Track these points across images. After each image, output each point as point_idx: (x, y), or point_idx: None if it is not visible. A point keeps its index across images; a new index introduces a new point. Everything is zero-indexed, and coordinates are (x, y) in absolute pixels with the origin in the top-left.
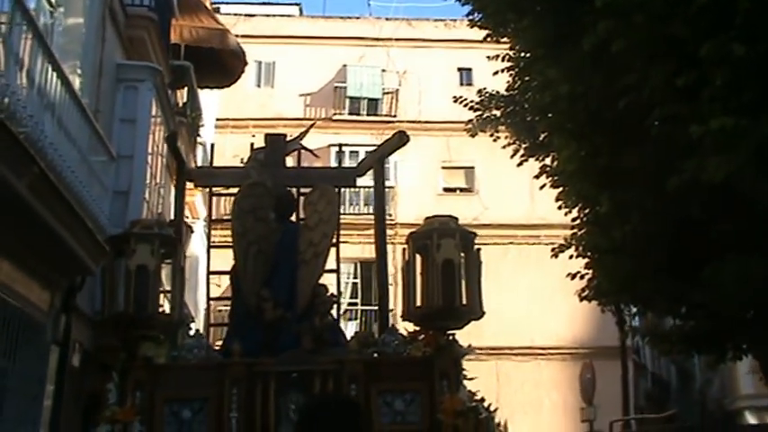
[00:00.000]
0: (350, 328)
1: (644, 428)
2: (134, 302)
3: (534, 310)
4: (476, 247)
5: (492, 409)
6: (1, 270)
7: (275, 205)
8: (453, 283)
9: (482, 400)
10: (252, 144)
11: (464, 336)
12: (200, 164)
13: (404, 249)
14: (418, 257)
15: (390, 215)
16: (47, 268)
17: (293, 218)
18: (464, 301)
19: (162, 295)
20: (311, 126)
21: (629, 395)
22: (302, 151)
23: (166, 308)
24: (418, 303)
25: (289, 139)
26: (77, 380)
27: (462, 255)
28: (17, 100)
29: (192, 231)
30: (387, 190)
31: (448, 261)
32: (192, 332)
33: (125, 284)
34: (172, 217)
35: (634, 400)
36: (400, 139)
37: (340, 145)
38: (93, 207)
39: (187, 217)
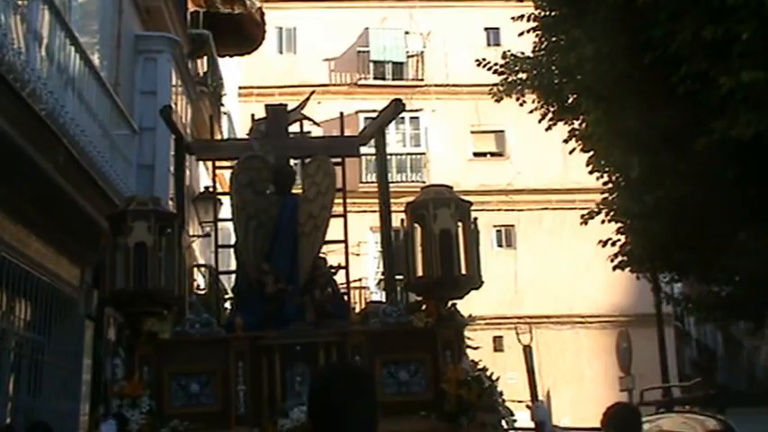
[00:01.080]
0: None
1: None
2: (134, 279)
3: (571, 277)
4: (472, 215)
5: (494, 378)
6: (31, 247)
7: (273, 178)
8: (451, 252)
9: (484, 369)
10: (253, 115)
11: (503, 305)
12: (226, 133)
13: (401, 220)
14: (417, 227)
15: (424, 182)
16: (75, 244)
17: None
18: (463, 271)
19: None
20: (311, 95)
21: (666, 363)
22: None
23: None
24: (419, 273)
25: (290, 108)
26: (113, 353)
27: (459, 224)
28: (38, 77)
29: (222, 204)
30: (418, 156)
31: (445, 231)
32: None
33: (124, 261)
34: (200, 189)
35: (678, 369)
36: (396, 107)
37: (357, 112)
38: (118, 182)
39: (209, 188)
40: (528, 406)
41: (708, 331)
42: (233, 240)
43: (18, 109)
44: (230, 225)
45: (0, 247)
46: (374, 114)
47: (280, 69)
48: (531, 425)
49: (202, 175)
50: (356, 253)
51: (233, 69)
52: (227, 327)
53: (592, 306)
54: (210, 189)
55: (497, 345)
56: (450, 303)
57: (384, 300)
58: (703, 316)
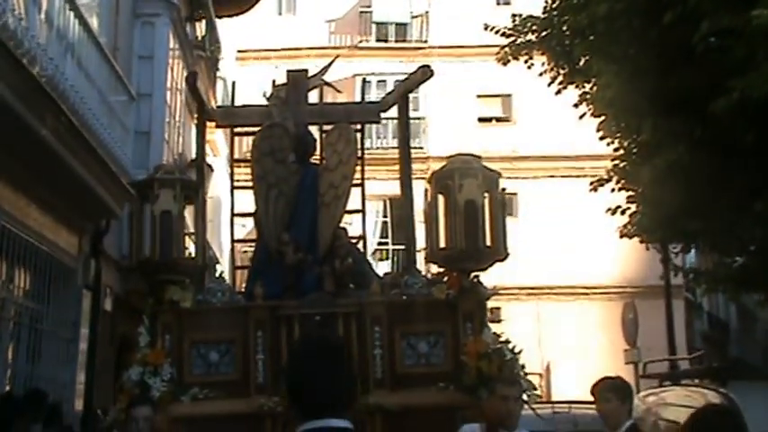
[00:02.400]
0: (381, 269)
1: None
2: (159, 247)
3: (577, 247)
4: (500, 186)
5: (516, 350)
6: (30, 216)
7: (294, 146)
8: (476, 224)
9: (507, 342)
10: (273, 81)
11: (504, 274)
12: (220, 100)
13: (425, 190)
14: (441, 198)
15: (422, 148)
16: (73, 213)
17: (314, 159)
18: (488, 243)
19: (187, 238)
20: (333, 61)
21: (674, 336)
22: (325, 87)
23: (192, 251)
24: (441, 245)
25: (310, 74)
26: (110, 323)
27: (486, 195)
28: (38, 44)
29: (213, 171)
30: (417, 121)
31: (470, 202)
32: (216, 275)
33: (150, 230)
34: (193, 156)
35: (687, 342)
36: (424, 74)
37: (363, 80)
38: (115, 150)
39: (207, 155)
40: None
41: (720, 303)
42: (224, 210)
43: (18, 75)
44: (221, 194)
45: (1, 217)
46: (377, 77)
47: (278, 32)
48: None
49: (195, 142)
50: (349, 222)
51: (231, 32)
52: (247, 296)
53: (598, 277)
54: (228, 156)
55: (495, 315)
56: (472, 275)
57: (390, 270)
58: (713, 287)
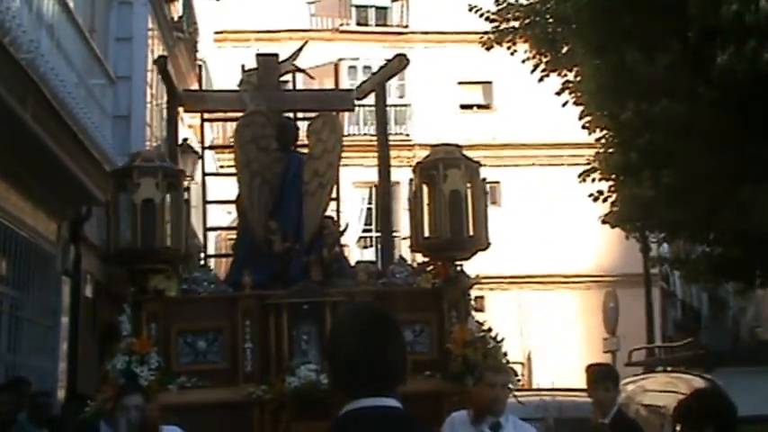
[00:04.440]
0: (365, 257)
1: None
2: (141, 236)
3: (557, 235)
4: (481, 176)
5: (499, 339)
6: (9, 201)
7: (277, 134)
8: (460, 213)
9: (489, 330)
10: (243, 66)
11: (485, 263)
12: (204, 82)
13: (410, 181)
14: (425, 188)
15: (407, 135)
16: (53, 198)
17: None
18: (471, 232)
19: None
20: (303, 45)
21: (653, 325)
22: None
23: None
24: (426, 234)
25: (282, 59)
26: (91, 310)
27: (468, 185)
28: (18, 24)
29: (199, 156)
30: (402, 108)
31: (455, 192)
32: (202, 265)
33: (131, 218)
34: (178, 141)
35: (662, 330)
36: (400, 62)
37: (336, 63)
38: (95, 134)
39: (191, 140)
40: None
41: (693, 292)
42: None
43: None
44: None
45: None
46: (362, 63)
47: (257, 13)
48: None
49: (179, 127)
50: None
51: (207, 12)
52: (233, 285)
53: (576, 266)
54: (189, 143)
55: (479, 305)
56: (456, 264)
57: (369, 258)
58: (694, 277)
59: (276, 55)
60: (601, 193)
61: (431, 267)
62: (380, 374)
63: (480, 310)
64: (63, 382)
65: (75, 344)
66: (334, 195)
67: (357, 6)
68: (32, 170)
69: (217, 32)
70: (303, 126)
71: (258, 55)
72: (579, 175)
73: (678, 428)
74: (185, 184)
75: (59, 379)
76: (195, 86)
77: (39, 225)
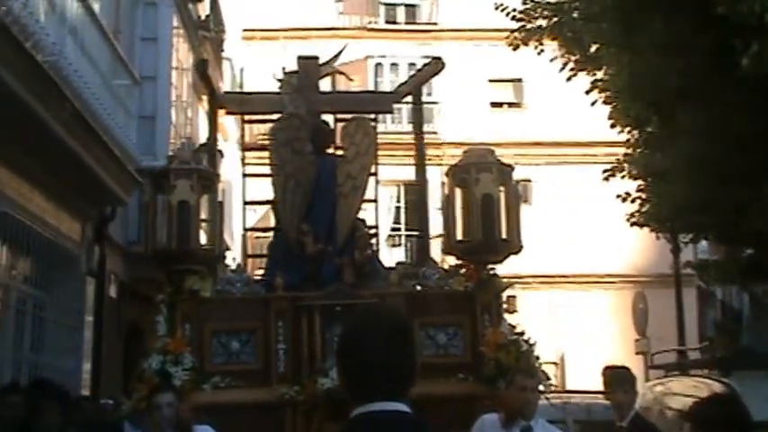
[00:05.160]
0: (393, 255)
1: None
2: (177, 237)
3: (588, 234)
4: (513, 180)
5: (531, 342)
6: (33, 202)
7: (312, 137)
8: (493, 217)
9: (522, 333)
10: (284, 68)
11: (517, 263)
12: (227, 80)
13: (442, 183)
14: (458, 191)
15: (435, 133)
16: (77, 199)
17: (330, 150)
18: (503, 236)
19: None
20: (343, 48)
21: (684, 326)
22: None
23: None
24: (459, 237)
25: (321, 61)
26: (116, 310)
27: (501, 188)
28: (41, 27)
29: (223, 156)
30: (430, 106)
31: (487, 195)
32: (232, 264)
33: (167, 220)
34: (201, 139)
35: (699, 331)
36: (437, 66)
37: (377, 64)
38: (120, 135)
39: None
40: None
41: (733, 292)
42: (235, 196)
43: (21, 60)
44: (231, 179)
45: (2, 202)
46: (389, 60)
47: (285, 11)
48: None
49: (203, 125)
50: (365, 208)
51: (235, 10)
52: (266, 286)
53: (609, 265)
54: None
55: (510, 305)
56: (489, 267)
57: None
58: (721, 279)
59: (316, 58)
60: (628, 194)
61: (463, 270)
62: (391, 379)
63: (513, 310)
64: (87, 383)
65: (100, 344)
66: (371, 197)
67: (386, 4)
68: (56, 171)
69: (245, 30)
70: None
71: (299, 57)
72: (604, 172)
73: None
74: None
75: (83, 379)
76: (222, 85)
77: (62, 225)
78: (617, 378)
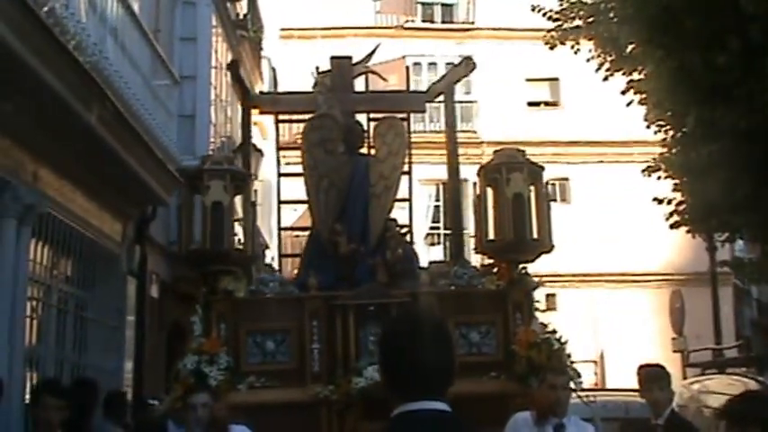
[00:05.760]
0: (432, 254)
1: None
2: (210, 238)
3: (625, 233)
4: (543, 180)
5: (563, 340)
6: (75, 202)
7: (344, 137)
8: (523, 216)
9: (554, 331)
10: (317, 68)
11: (556, 261)
12: (266, 79)
13: (474, 183)
14: (489, 191)
15: (475, 132)
16: (118, 199)
17: (363, 149)
18: (534, 235)
19: (237, 225)
20: (376, 48)
21: (720, 324)
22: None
23: (241, 238)
24: (490, 236)
25: (355, 61)
26: (157, 310)
27: (531, 188)
28: (82, 29)
29: (263, 155)
30: (469, 105)
31: (517, 195)
32: (267, 264)
33: (201, 220)
34: (239, 139)
35: (736, 329)
36: (467, 66)
37: (407, 67)
38: (161, 135)
39: (255, 137)
40: None
41: None
42: (274, 195)
43: (65, 62)
44: (271, 178)
45: (46, 203)
46: (427, 59)
47: (323, 10)
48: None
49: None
50: (402, 207)
51: (272, 9)
52: (300, 286)
53: (646, 264)
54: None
55: (550, 303)
56: (520, 266)
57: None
58: (757, 278)
59: (350, 57)
60: (663, 199)
61: (495, 269)
62: (432, 378)
63: (552, 308)
64: (129, 382)
65: (142, 344)
66: (405, 196)
67: (423, 3)
68: (97, 171)
69: (282, 29)
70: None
71: (332, 57)
72: (643, 171)
73: (725, 427)
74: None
75: (125, 378)
76: (260, 84)
77: (104, 225)
78: (651, 376)
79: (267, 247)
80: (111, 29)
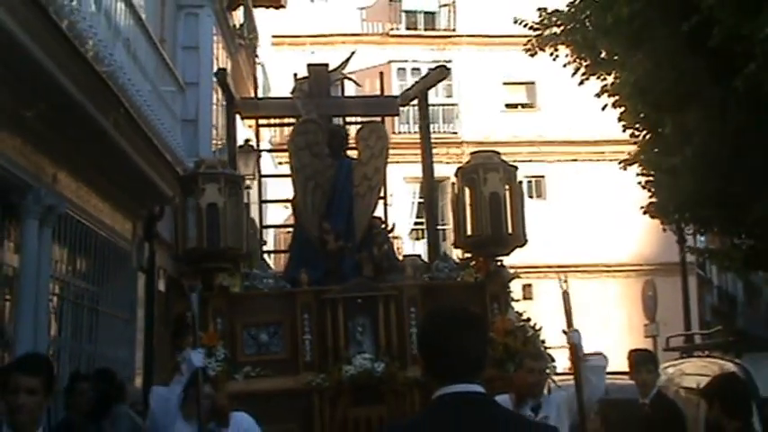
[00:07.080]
0: (417, 248)
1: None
2: (206, 237)
3: (599, 227)
4: (518, 179)
5: (537, 327)
6: (90, 203)
7: (329, 141)
8: (500, 213)
9: (528, 319)
10: (295, 74)
11: (533, 254)
12: (261, 85)
13: (452, 184)
14: (467, 190)
15: (456, 133)
16: (130, 200)
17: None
18: (510, 230)
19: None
20: (351, 55)
21: (690, 312)
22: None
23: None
24: (468, 232)
25: (331, 68)
26: (164, 303)
27: (507, 187)
28: (99, 40)
29: (261, 155)
30: (450, 107)
31: (494, 194)
32: (262, 259)
33: (197, 221)
34: (239, 142)
35: (699, 316)
36: (441, 73)
37: (392, 68)
38: (168, 138)
39: (249, 140)
40: (564, 331)
41: (728, 279)
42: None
43: (84, 72)
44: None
45: (64, 204)
46: (410, 65)
47: (312, 19)
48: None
49: (239, 128)
50: (389, 203)
51: (264, 18)
52: (291, 281)
53: (618, 255)
54: (250, 143)
55: (527, 293)
56: (496, 259)
57: (416, 252)
58: (725, 266)
59: (326, 65)
60: (649, 181)
61: (473, 263)
62: (467, 364)
63: (529, 297)
64: (139, 371)
65: (151, 335)
66: (390, 194)
67: (406, 12)
68: (110, 174)
69: (274, 37)
70: (352, 131)
71: (309, 65)
72: (620, 163)
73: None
74: (248, 182)
75: (136, 368)
76: (257, 91)
77: (116, 225)
78: (641, 359)
79: (265, 242)
80: (123, 39)
